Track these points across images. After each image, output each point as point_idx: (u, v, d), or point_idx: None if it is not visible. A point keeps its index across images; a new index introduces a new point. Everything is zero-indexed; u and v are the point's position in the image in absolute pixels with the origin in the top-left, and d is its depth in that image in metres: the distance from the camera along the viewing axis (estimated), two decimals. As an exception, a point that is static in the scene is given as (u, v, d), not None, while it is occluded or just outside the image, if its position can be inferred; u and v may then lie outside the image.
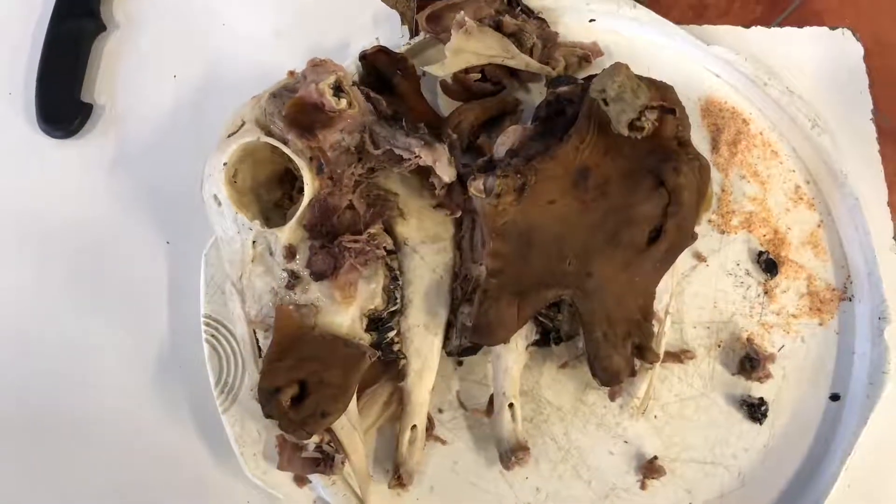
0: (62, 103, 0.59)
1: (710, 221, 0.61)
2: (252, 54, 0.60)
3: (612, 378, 0.51)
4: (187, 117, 0.58)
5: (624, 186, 0.53)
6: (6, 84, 0.61)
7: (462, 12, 0.53)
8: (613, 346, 0.51)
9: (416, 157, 0.48)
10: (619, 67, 0.52)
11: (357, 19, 0.60)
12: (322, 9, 0.60)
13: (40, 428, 0.51)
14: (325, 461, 0.45)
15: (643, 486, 0.55)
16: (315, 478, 0.48)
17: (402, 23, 0.59)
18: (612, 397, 0.55)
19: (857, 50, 0.66)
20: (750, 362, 0.58)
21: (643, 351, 0.53)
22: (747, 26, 0.67)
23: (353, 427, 0.46)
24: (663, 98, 0.55)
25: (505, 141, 0.53)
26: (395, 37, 0.59)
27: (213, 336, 0.48)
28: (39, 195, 0.58)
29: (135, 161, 0.58)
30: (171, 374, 0.51)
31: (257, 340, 0.47)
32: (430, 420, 0.52)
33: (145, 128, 0.59)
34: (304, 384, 0.44)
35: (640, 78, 0.53)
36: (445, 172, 0.49)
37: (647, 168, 0.53)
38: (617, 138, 0.52)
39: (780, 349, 0.58)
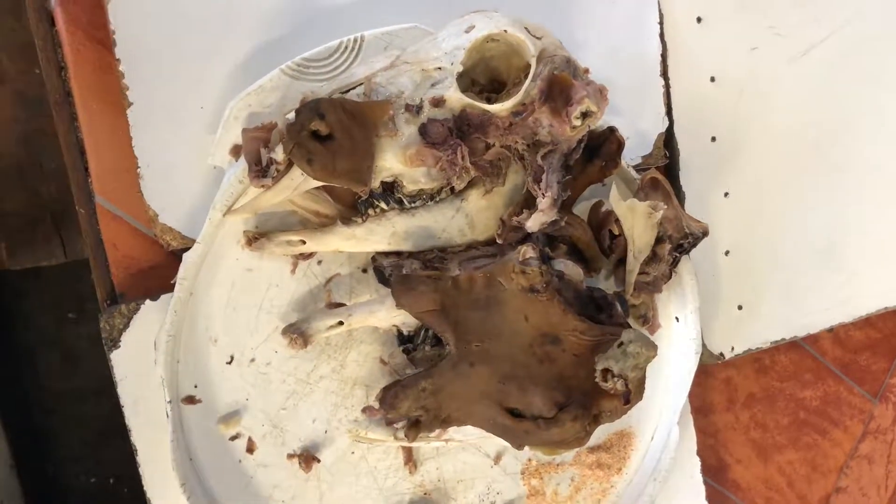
0: None
1: (529, 459, 0.67)
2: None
3: (387, 405, 0.56)
4: None
5: (552, 376, 0.58)
6: None
7: (665, 207, 0.60)
8: (415, 399, 0.57)
9: (542, 193, 0.54)
10: (653, 348, 0.58)
11: (644, 106, 0.65)
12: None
13: None
14: (262, 169, 0.49)
15: (289, 458, 0.59)
16: (240, 165, 0.51)
17: (643, 157, 0.66)
18: (364, 411, 0.60)
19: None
20: None
21: (413, 427, 0.58)
22: (698, 453, 0.74)
23: (296, 188, 0.50)
24: (634, 393, 0.61)
25: (568, 266, 0.58)
26: (631, 151, 0.65)
27: (347, 46, 0.51)
28: None
29: None
30: (302, 16, 0.55)
31: (353, 88, 0.51)
32: (310, 254, 0.56)
33: None
34: (331, 138, 0.48)
35: (646, 369, 0.59)
36: (534, 223, 0.55)
37: (571, 392, 0.58)
38: (591, 361, 0.58)
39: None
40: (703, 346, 0.72)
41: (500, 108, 0.51)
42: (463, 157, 0.52)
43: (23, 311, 0.89)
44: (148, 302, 0.54)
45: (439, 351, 0.58)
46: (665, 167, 0.67)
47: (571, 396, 0.59)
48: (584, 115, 0.52)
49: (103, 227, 0.53)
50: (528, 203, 0.56)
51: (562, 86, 0.52)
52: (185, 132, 0.54)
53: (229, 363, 0.56)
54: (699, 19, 0.65)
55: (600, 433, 0.69)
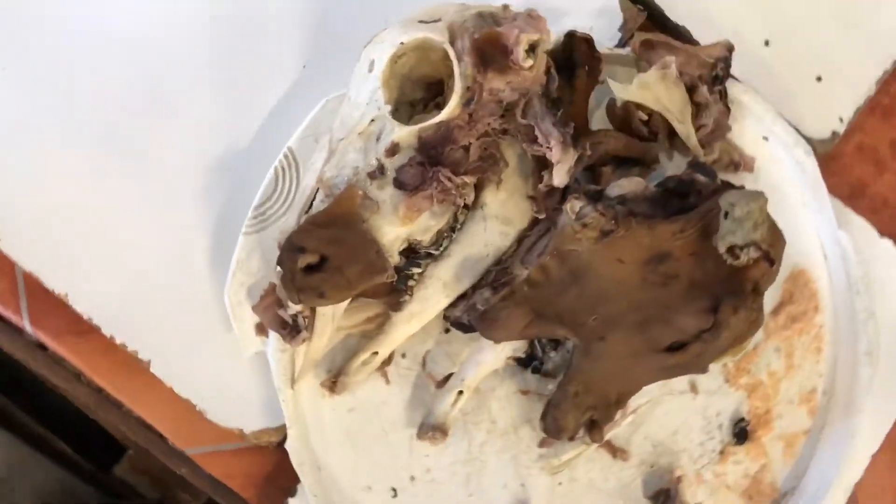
0: None
1: (724, 366, 0.62)
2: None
3: (555, 432, 0.54)
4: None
5: (685, 290, 0.54)
6: None
7: (673, 57, 0.53)
8: (575, 408, 0.54)
9: (547, 146, 0.49)
10: (759, 197, 0.53)
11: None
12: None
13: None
14: (292, 329, 0.48)
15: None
16: (272, 337, 0.50)
17: (620, 29, 0.59)
18: (542, 445, 0.58)
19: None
20: (665, 498, 0.60)
21: (593, 429, 0.55)
22: (882, 234, 0.66)
23: (332, 319, 0.48)
24: (772, 246, 0.55)
25: (623, 185, 0.53)
26: (605, 35, 0.58)
27: (283, 168, 0.49)
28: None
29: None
30: (226, 174, 0.53)
31: (314, 199, 0.48)
32: (390, 357, 0.54)
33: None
34: (325, 260, 0.46)
35: (767, 216, 0.53)
36: (560, 176, 0.50)
37: (713, 289, 0.54)
38: (710, 248, 0.53)
39: (697, 497, 0.60)
40: (809, 140, 0.64)
41: (449, 110, 0.47)
42: (450, 179, 0.48)
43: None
44: (290, 500, 0.54)
45: (565, 349, 0.55)
46: (649, 20, 0.60)
47: (717, 293, 0.54)
48: (532, 49, 0.47)
49: (210, 469, 0.54)
50: (542, 164, 0.52)
51: (490, 43, 0.47)
52: (208, 346, 0.53)
53: (395, 496, 0.55)
54: None
55: (772, 294, 0.63)
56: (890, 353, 0.64)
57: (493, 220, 0.53)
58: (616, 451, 0.60)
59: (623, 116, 0.56)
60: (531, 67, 0.48)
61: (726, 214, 0.52)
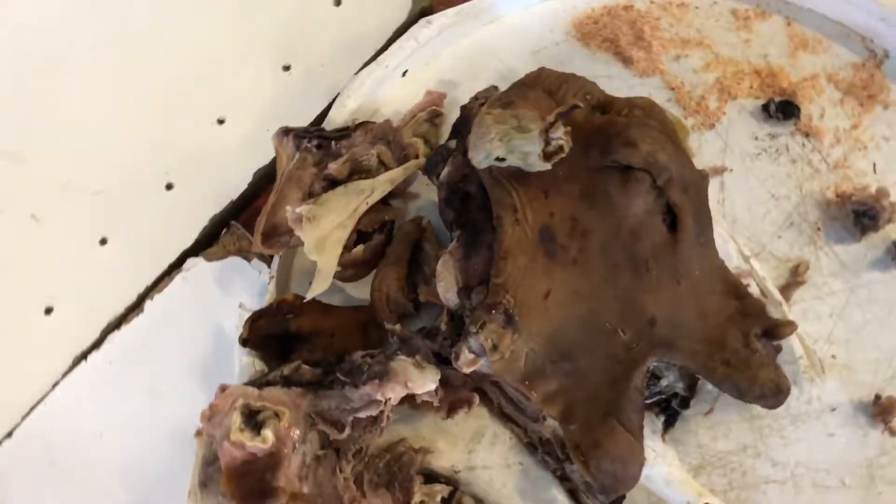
0: None
1: (693, 129, 0.50)
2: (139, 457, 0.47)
3: (776, 396, 0.40)
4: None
5: (593, 208, 0.42)
6: None
7: (287, 207, 0.42)
8: (746, 364, 0.40)
9: (384, 401, 0.37)
10: (482, 120, 0.41)
11: (206, 309, 0.48)
12: (174, 345, 0.49)
13: None
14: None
15: (892, 432, 0.43)
16: None
17: (249, 260, 0.48)
18: (776, 405, 0.42)
19: None
20: (864, 215, 0.47)
21: (774, 330, 0.42)
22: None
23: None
24: (547, 90, 0.43)
25: (446, 285, 0.41)
26: (254, 282, 0.48)
27: None
28: None
29: None
30: None
31: None
32: None
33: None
34: None
35: (507, 103, 0.41)
36: (425, 383, 0.38)
37: (596, 168, 0.41)
38: (547, 176, 0.41)
39: (874, 170, 0.48)
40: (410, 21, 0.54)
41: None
42: None
43: None
44: None
45: (662, 369, 0.41)
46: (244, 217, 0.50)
47: (609, 164, 0.41)
48: (249, 416, 0.37)
49: None
50: (408, 400, 0.39)
51: (238, 480, 0.36)
52: None
53: None
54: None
55: (611, 85, 0.51)
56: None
57: (473, 457, 0.42)
58: (796, 279, 0.46)
59: (356, 268, 0.45)
60: (277, 415, 0.37)
61: (502, 160, 0.41)
